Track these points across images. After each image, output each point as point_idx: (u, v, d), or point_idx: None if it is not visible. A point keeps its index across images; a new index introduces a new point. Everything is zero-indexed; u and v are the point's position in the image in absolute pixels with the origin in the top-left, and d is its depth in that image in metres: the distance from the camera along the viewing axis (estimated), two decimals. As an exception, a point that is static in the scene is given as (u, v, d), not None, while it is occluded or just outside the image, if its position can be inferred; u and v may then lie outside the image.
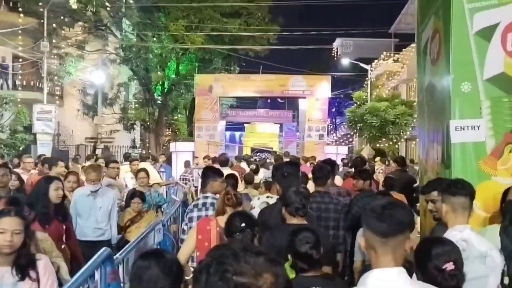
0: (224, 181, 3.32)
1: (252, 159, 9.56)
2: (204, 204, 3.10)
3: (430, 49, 3.39)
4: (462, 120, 2.76)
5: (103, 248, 2.43)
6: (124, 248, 2.96)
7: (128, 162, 7.43)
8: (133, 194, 4.32)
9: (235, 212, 2.45)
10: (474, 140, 2.74)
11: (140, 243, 3.20)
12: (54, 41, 14.35)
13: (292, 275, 1.91)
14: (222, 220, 2.49)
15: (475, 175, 2.68)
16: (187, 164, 9.38)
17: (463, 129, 2.74)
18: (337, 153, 12.68)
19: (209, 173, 3.27)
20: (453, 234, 1.87)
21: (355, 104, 16.55)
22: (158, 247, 3.45)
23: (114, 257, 2.56)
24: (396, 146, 14.86)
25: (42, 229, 2.68)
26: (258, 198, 3.40)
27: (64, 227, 2.97)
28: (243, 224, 2.17)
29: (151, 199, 4.73)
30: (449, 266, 1.54)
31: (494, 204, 2.47)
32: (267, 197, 3.26)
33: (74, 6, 13.46)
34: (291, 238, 1.98)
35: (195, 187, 8.93)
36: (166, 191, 8.29)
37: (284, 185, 2.73)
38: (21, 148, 12.79)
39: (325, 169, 3.52)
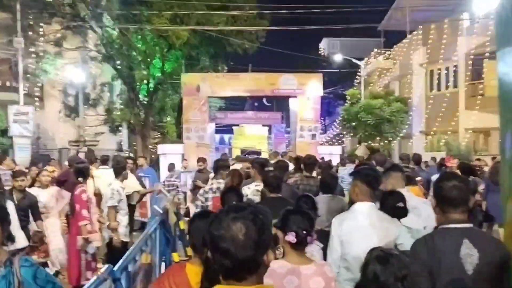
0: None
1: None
2: (218, 188, 4.18)
3: None
4: None
5: None
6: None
7: (107, 166, 6.41)
8: None
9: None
10: None
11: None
12: (30, 37, 13.57)
13: None
14: None
15: None
16: (171, 167, 8.65)
17: None
18: (331, 153, 12.51)
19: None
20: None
21: (348, 103, 16.35)
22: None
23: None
24: (392, 145, 14.74)
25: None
26: (249, 188, 4.03)
27: None
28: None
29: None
30: (400, 204, 2.68)
31: None
32: (256, 185, 4.01)
33: None
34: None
35: (184, 192, 8.41)
36: (150, 201, 7.58)
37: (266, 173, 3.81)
38: (-2, 153, 12.05)
39: (313, 158, 4.97)
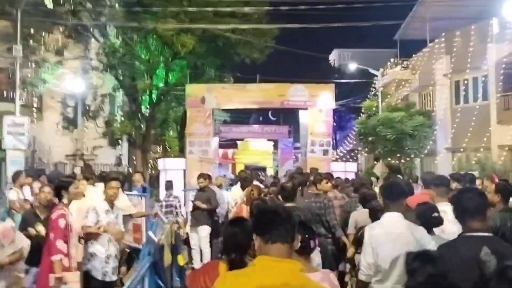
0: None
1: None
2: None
3: None
4: None
5: None
6: None
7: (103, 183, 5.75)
8: None
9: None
10: None
11: None
12: (31, 46, 12.99)
13: None
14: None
15: None
16: (169, 185, 7.73)
17: None
18: (346, 170, 11.51)
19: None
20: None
21: (364, 115, 15.24)
22: None
23: None
24: (414, 163, 13.44)
25: None
26: None
27: None
28: None
29: None
30: (435, 214, 3.06)
31: None
32: None
33: (49, 5, 12.15)
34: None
35: (183, 215, 7.50)
36: (146, 225, 6.61)
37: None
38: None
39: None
